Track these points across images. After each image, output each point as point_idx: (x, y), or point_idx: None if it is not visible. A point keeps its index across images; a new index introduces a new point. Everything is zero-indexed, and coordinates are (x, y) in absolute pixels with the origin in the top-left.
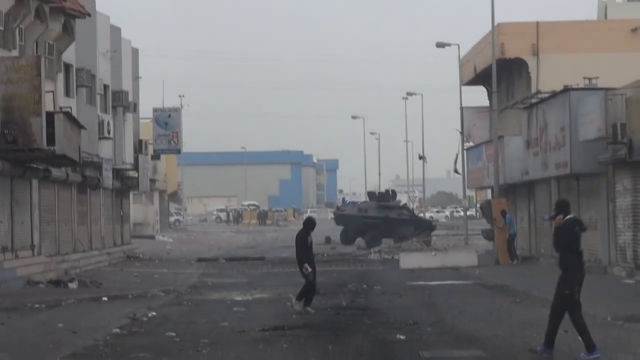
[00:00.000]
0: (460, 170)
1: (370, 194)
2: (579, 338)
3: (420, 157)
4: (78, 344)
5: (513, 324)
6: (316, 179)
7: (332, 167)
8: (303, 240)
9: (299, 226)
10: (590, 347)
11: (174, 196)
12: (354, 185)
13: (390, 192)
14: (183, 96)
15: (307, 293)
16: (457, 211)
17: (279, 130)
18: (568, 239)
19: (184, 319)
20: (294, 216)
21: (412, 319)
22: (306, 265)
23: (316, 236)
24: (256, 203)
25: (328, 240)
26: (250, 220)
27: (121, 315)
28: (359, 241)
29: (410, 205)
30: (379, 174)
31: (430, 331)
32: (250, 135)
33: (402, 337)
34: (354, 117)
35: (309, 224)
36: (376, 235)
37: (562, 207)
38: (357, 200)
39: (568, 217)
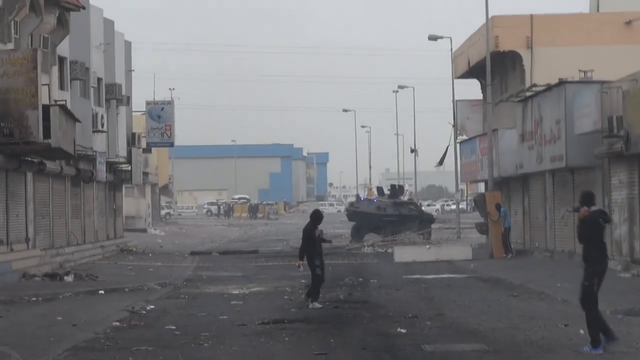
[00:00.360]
0: (443, 163)
1: (379, 189)
2: (581, 331)
3: (412, 151)
4: (79, 337)
5: (513, 317)
6: (306, 172)
7: (322, 160)
8: (310, 233)
9: (289, 220)
10: (595, 342)
11: (165, 189)
12: (344, 179)
13: (397, 187)
14: (173, 89)
15: (318, 288)
16: (448, 205)
17: (270, 123)
18: (592, 231)
19: (183, 312)
20: (284, 210)
21: (411, 313)
22: (300, 262)
23: None
24: (247, 196)
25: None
26: (241, 213)
27: (119, 309)
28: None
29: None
30: (370, 167)
31: (431, 325)
32: (240, 128)
33: (403, 330)
34: (345, 110)
35: (316, 216)
36: (392, 231)
37: (587, 198)
38: (374, 198)
39: (593, 208)
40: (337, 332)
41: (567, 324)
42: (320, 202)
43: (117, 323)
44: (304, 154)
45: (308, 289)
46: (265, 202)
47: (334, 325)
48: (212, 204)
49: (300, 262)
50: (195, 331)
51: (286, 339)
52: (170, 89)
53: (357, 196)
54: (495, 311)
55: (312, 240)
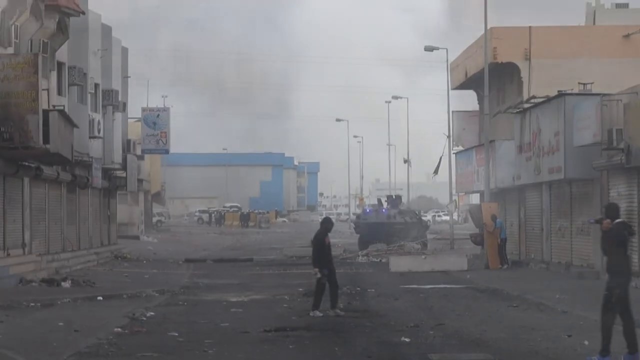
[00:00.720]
0: (438, 172)
1: (379, 201)
2: (585, 342)
3: (405, 161)
4: (82, 342)
5: (514, 328)
6: (297, 181)
7: (313, 169)
8: (321, 241)
9: (281, 228)
10: (604, 352)
11: (158, 197)
12: (334, 189)
13: (395, 197)
14: (166, 96)
15: (320, 297)
16: (439, 215)
17: (261, 131)
18: (617, 243)
19: (184, 319)
20: (276, 218)
21: (413, 322)
22: (316, 270)
23: (303, 239)
24: (238, 205)
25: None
26: (232, 221)
27: (120, 315)
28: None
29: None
30: (362, 178)
31: (434, 334)
32: (231, 136)
33: (406, 339)
34: (338, 120)
35: (327, 224)
36: (398, 239)
37: (611, 211)
38: (382, 208)
39: (617, 221)
40: (340, 341)
41: (571, 335)
42: (311, 212)
43: (119, 329)
44: (295, 163)
45: (331, 301)
46: (257, 211)
47: (337, 334)
48: (203, 211)
49: (317, 269)
50: (198, 338)
51: (290, 346)
52: (163, 96)
53: (363, 209)
54: (495, 321)
55: (322, 247)
